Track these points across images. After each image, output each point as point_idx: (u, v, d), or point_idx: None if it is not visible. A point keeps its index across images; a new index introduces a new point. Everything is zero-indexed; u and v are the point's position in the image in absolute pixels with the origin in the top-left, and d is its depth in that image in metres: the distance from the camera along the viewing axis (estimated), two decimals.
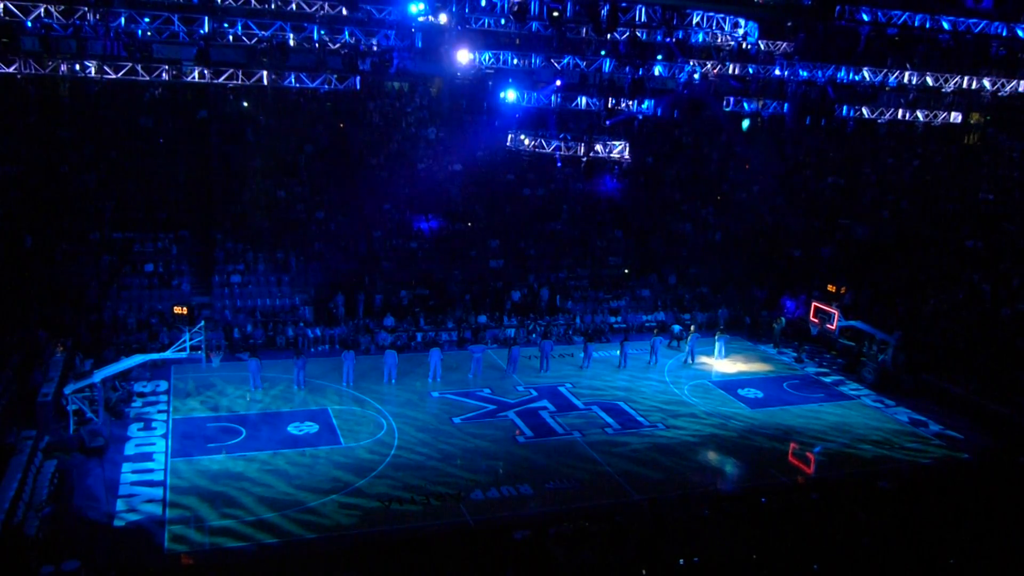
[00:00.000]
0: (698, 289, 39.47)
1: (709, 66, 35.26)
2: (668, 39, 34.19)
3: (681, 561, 17.40)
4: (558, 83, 35.56)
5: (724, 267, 40.59)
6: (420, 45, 31.62)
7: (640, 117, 40.93)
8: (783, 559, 17.96)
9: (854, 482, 22.87)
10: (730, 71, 35.83)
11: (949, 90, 38.29)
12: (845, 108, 39.08)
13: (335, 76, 32.17)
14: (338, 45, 30.41)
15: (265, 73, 31.13)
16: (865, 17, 31.45)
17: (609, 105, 35.94)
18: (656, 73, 35.37)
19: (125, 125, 38.80)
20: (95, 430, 22.73)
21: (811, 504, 21.15)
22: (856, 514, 20.03)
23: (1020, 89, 38.43)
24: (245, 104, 41.77)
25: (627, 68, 34.10)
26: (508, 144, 39.34)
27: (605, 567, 17.49)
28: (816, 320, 33.02)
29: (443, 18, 31.29)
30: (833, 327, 32.27)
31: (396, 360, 29.06)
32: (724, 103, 37.74)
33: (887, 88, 38.60)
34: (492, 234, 39.49)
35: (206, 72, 30.27)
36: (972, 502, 20.90)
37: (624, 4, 30.92)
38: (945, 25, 32.36)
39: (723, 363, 32.93)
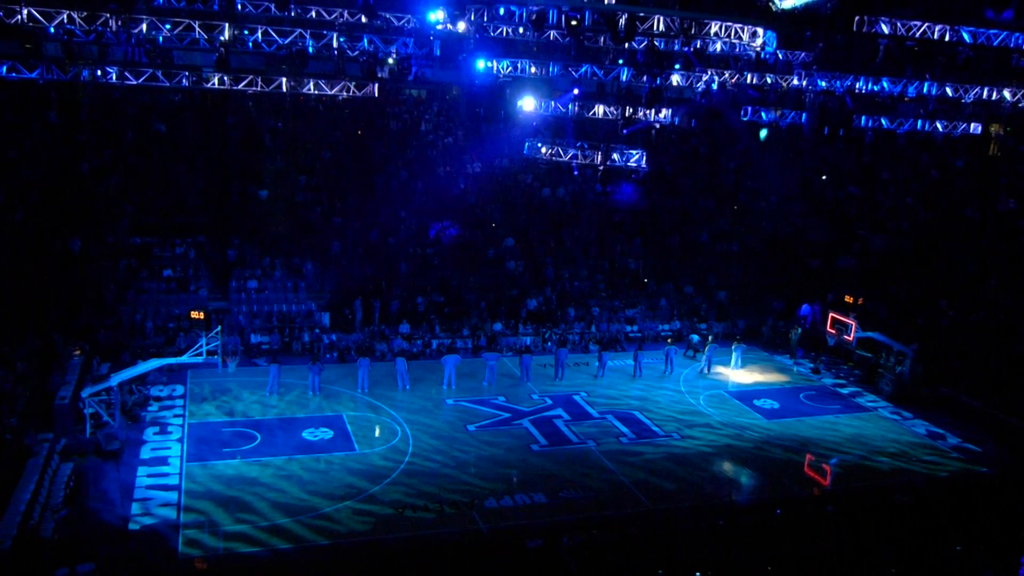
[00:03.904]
0: (715, 298, 39.34)
1: (727, 75, 35.19)
2: (686, 48, 34.15)
3: (698, 574, 17.32)
4: (576, 91, 35.57)
5: (741, 277, 40.45)
6: (438, 53, 31.76)
7: (657, 126, 40.89)
8: (798, 572, 17.84)
9: (870, 495, 22.69)
10: (748, 81, 35.74)
11: (969, 101, 38.03)
12: (864, 118, 38.86)
13: (353, 83, 32.31)
14: (357, 52, 30.54)
15: (284, 80, 31.32)
16: (884, 27, 31.33)
17: (627, 114, 35.94)
18: (674, 82, 35.33)
19: (145, 130, 39.07)
20: (111, 433, 22.84)
21: (827, 517, 21.01)
22: (872, 527, 19.87)
23: None
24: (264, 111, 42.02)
25: (645, 77, 34.08)
26: (525, 152, 39.38)
27: None
28: (833, 331, 32.83)
29: (461, 26, 31.44)
30: (850, 338, 32.09)
31: (406, 367, 29.12)
32: (742, 113, 37.64)
33: (906, 99, 38.37)
34: (508, 241, 39.49)
35: (226, 79, 30.47)
36: (990, 516, 20.70)
37: (642, 13, 30.94)
38: (965, 36, 32.18)
39: (739, 373, 32.78)
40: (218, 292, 33.92)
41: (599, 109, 37.13)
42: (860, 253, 41.09)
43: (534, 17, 29.75)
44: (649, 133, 43.13)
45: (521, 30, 33.00)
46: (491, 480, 22.39)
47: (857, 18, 30.84)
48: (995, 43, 32.35)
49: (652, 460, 24.28)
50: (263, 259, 35.23)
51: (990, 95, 37.48)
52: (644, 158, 37.00)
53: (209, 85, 30.64)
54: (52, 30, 27.18)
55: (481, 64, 32.90)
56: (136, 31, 27.75)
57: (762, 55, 35.06)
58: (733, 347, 33.51)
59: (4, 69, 27.88)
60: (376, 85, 32.60)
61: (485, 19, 32.11)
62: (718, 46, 34.66)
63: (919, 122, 39.94)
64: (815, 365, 34.01)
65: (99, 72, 29.04)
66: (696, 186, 45.36)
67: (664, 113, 36.58)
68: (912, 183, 45.81)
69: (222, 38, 28.47)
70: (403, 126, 43.88)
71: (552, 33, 33.07)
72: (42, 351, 27.00)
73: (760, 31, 34.34)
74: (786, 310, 38.20)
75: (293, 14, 30.23)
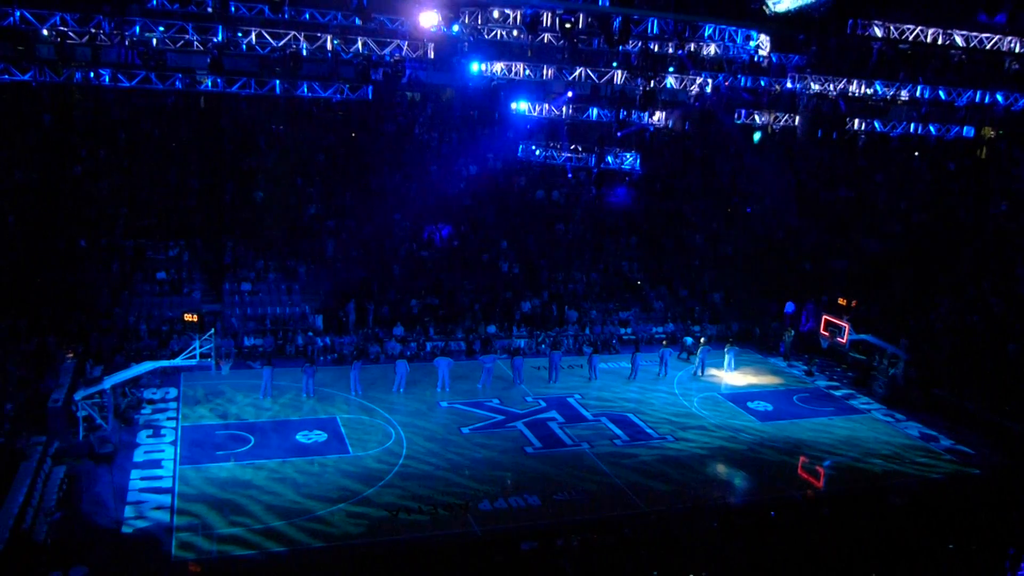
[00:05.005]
0: (709, 301, 39.40)
1: (721, 78, 35.27)
2: (680, 51, 34.25)
3: None
4: (570, 94, 35.63)
5: (735, 279, 40.50)
6: (432, 56, 31.79)
7: (651, 129, 40.96)
8: (792, 574, 17.85)
9: (864, 497, 22.72)
10: (742, 84, 35.83)
11: (961, 104, 38.17)
12: (857, 121, 38.99)
13: (347, 86, 32.29)
14: (351, 55, 30.54)
15: (278, 82, 31.30)
16: (877, 31, 31.45)
17: (620, 117, 36.00)
18: (668, 85, 35.43)
19: (138, 133, 38.98)
20: (104, 436, 22.79)
21: (820, 518, 21.03)
22: (866, 529, 19.89)
23: None
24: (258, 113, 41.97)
25: (639, 80, 34.16)
26: (519, 154, 39.38)
27: None
28: (827, 333, 32.88)
29: (455, 29, 31.48)
30: (844, 340, 32.13)
31: (407, 369, 29.09)
32: (736, 115, 37.74)
33: (899, 102, 38.52)
34: (502, 243, 39.51)
35: (219, 81, 30.44)
36: (983, 518, 20.73)
37: (636, 16, 31.01)
38: (958, 39, 32.32)
39: (733, 375, 32.81)
40: (212, 295, 33.85)
41: (593, 112, 37.21)
42: (853, 255, 41.16)
43: (528, 20, 29.81)
44: (643, 136, 43.23)
45: (515, 33, 33.02)
46: (485, 482, 22.37)
47: (850, 21, 30.96)
48: (987, 46, 32.49)
49: (646, 462, 24.30)
50: (257, 261, 35.18)
51: (983, 98, 37.64)
52: (638, 161, 37.10)
53: (203, 87, 30.61)
54: (45, 32, 27.17)
55: (475, 66, 32.96)
56: (129, 33, 27.74)
57: (756, 58, 35.17)
58: (725, 349, 33.53)
59: None
60: (370, 87, 32.60)
61: (479, 22, 32.16)
62: (712, 49, 34.75)
63: (912, 125, 40.06)
64: (808, 367, 34.07)
65: (92, 74, 28.97)
66: (690, 189, 45.40)
67: (658, 116, 36.67)
68: (905, 186, 45.90)
69: (216, 40, 28.47)
70: (397, 128, 43.84)
71: (546, 36, 33.08)
72: (35, 353, 26.94)
73: (754, 34, 34.46)
74: (780, 312, 38.26)
75: (287, 16, 30.25)
